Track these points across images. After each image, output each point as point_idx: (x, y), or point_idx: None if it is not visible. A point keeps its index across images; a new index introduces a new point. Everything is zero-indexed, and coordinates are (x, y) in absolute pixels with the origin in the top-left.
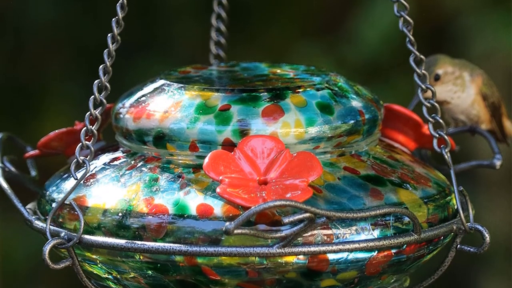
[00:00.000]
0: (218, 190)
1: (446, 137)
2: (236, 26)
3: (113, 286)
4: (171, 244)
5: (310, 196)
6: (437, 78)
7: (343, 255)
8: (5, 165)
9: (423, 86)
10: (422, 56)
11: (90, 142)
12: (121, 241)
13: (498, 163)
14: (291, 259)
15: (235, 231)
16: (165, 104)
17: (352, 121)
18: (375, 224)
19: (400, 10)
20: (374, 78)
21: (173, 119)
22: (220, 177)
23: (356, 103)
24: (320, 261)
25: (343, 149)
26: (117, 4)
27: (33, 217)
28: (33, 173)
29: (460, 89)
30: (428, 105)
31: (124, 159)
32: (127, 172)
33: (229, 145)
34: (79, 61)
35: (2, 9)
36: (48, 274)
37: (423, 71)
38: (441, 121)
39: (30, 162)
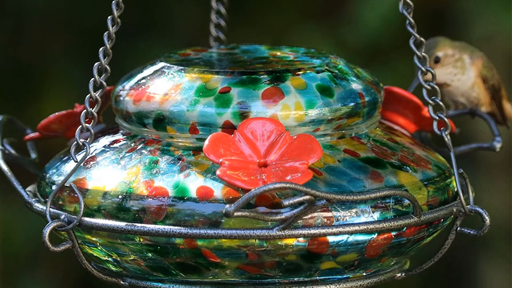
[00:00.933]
0: (218, 172)
1: (446, 119)
2: (236, 9)
3: (113, 268)
4: (171, 227)
5: (310, 179)
6: (437, 60)
7: (343, 237)
8: (5, 147)
9: (423, 69)
10: (422, 39)
11: (90, 125)
12: (121, 224)
13: (498, 145)
14: (291, 241)
15: (235, 214)
16: (165, 86)
17: (352, 104)
18: (375, 206)
19: None
20: (374, 60)
21: (173, 101)
22: (220, 160)
23: (356, 86)
24: (320, 243)
25: (343, 131)
26: None
27: (33, 199)
28: (33, 155)
29: (460, 72)
30: (428, 87)
31: (124, 142)
32: (127, 154)
33: (229, 128)
34: (79, 43)
35: None
36: (48, 256)
37: (423, 53)
38: (441, 103)
39: (30, 145)
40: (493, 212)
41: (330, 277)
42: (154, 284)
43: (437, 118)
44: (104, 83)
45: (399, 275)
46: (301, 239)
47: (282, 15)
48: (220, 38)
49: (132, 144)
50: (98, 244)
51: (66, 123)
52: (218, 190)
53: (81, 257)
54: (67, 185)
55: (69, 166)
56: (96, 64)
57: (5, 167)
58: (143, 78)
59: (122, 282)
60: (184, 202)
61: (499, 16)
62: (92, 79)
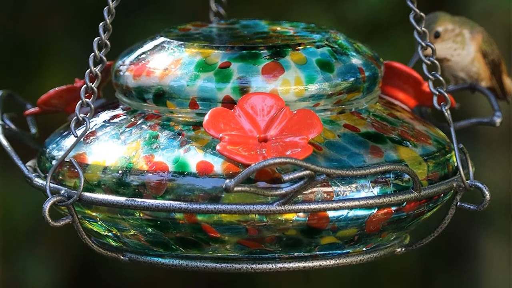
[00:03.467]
0: (218, 147)
1: (446, 94)
2: None
3: (113, 243)
4: (171, 202)
5: (310, 154)
6: (437, 35)
7: (343, 212)
8: (5, 122)
9: (423, 44)
10: (422, 14)
11: (90, 100)
12: (121, 199)
13: (498, 120)
14: (291, 216)
15: (235, 189)
16: (165, 61)
17: (352, 79)
18: (375, 181)
19: None
20: (374, 35)
21: (173, 76)
22: (220, 135)
23: (356, 61)
24: (320, 218)
25: (343, 106)
26: None
27: (33, 174)
28: (33, 130)
29: (460, 47)
30: (428, 62)
31: (124, 117)
32: (127, 129)
33: (229, 103)
34: (79, 18)
35: None
36: (48, 232)
37: (423, 28)
38: (441, 78)
39: (30, 120)
40: (493, 187)
41: (330, 252)
42: (154, 259)
43: (437, 93)
44: (104, 58)
45: (399, 250)
46: (301, 214)
47: None
48: (220, 13)
49: (132, 119)
50: (98, 219)
51: (66, 98)
52: (218, 165)
53: (81, 232)
54: (67, 160)
55: (69, 141)
56: (96, 39)
57: (5, 142)
58: (143, 53)
59: (122, 257)
60: (184, 177)
61: None
62: (92, 54)
